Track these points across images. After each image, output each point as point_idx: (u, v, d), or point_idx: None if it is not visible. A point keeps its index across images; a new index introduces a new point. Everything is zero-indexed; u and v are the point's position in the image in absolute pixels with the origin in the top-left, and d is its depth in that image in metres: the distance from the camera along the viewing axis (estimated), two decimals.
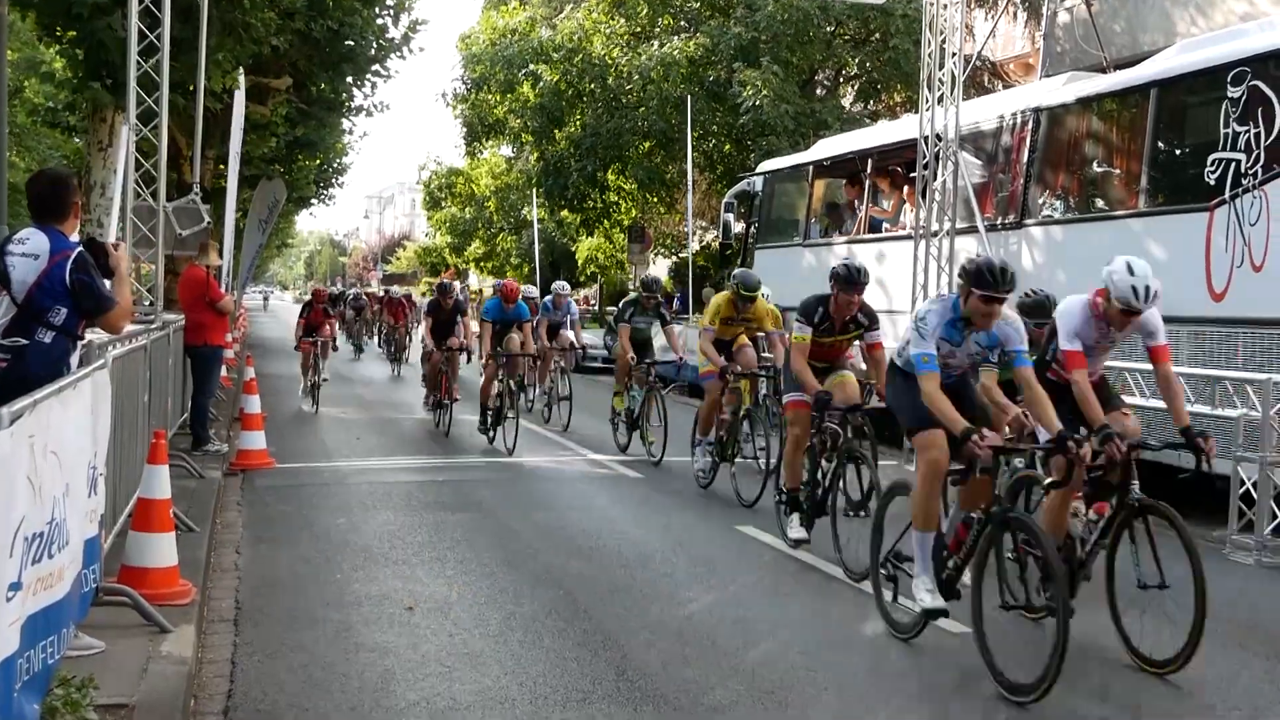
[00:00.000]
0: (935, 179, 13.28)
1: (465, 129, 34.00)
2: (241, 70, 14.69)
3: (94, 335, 6.54)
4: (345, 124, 30.34)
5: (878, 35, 26.54)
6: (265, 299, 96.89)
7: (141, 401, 7.99)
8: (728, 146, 28.03)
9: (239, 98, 14.39)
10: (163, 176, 11.57)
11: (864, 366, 8.95)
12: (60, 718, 4.21)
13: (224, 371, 15.11)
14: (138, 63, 11.12)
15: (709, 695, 5.40)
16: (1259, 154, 9.69)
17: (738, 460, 10.68)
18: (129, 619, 5.78)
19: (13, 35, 18.59)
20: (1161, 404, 9.71)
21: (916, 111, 14.21)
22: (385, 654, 5.89)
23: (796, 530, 8.46)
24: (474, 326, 17.42)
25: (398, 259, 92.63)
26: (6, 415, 3.40)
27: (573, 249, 45.34)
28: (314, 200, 40.65)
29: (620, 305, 14.24)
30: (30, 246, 5.54)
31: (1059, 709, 5.31)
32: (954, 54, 13.26)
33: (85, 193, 16.21)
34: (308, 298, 24.19)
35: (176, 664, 5.28)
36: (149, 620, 5.79)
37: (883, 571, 6.55)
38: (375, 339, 35.01)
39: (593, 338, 28.43)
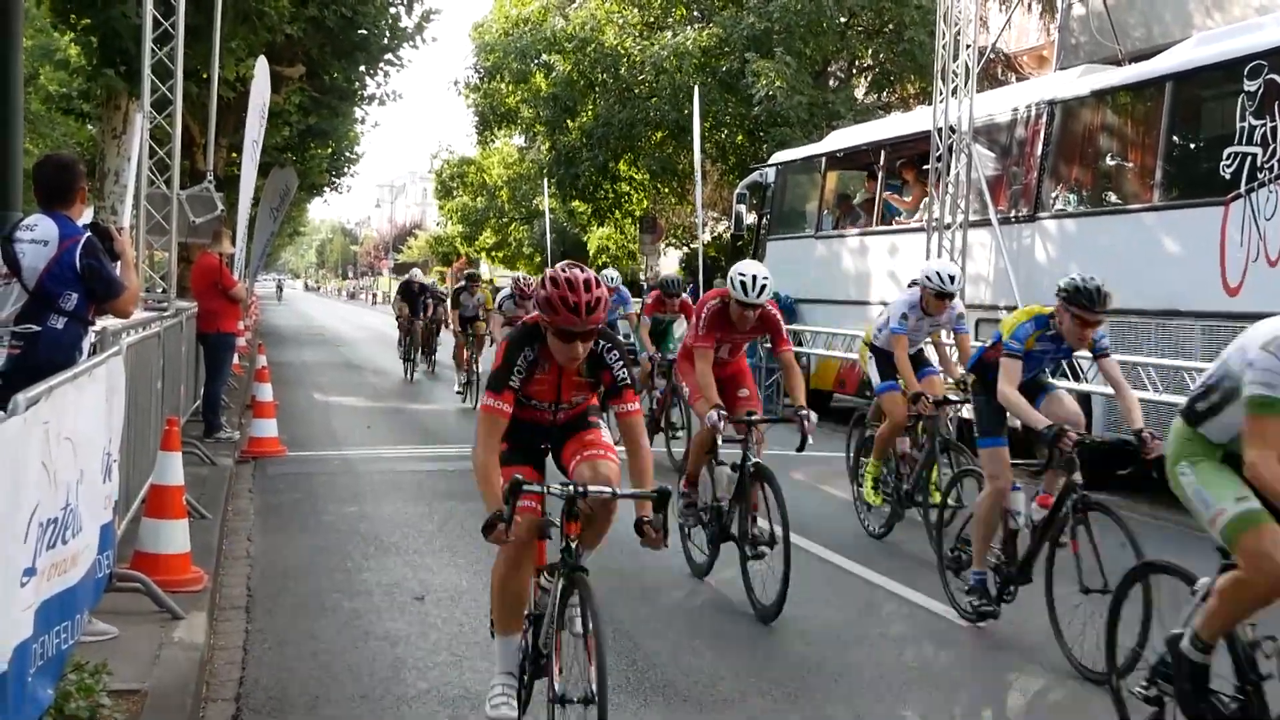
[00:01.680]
0: (949, 171, 13.24)
1: (477, 118, 33.96)
2: (264, 59, 14.68)
3: (107, 322, 6.57)
4: (357, 112, 30.36)
5: (892, 26, 26.43)
6: (279, 287, 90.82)
7: (155, 388, 8.02)
8: (740, 137, 27.96)
9: (259, 84, 14.37)
10: (176, 164, 11.60)
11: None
12: (74, 703, 4.23)
13: (235, 359, 15.15)
14: (152, 50, 11.15)
15: (719, 686, 5.40)
16: (1275, 148, 9.63)
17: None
18: (142, 605, 5.80)
19: (28, 22, 18.62)
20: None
21: (930, 103, 14.16)
22: (396, 642, 5.90)
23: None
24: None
25: (409, 248, 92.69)
26: (22, 401, 3.41)
27: (584, 239, 45.32)
28: (326, 189, 40.69)
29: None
30: (39, 233, 5.55)
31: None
32: (968, 46, 13.22)
33: (99, 180, 16.26)
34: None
35: (189, 650, 5.31)
36: (161, 606, 5.81)
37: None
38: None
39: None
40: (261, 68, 14.62)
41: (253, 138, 14.37)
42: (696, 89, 22.96)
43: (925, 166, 15.57)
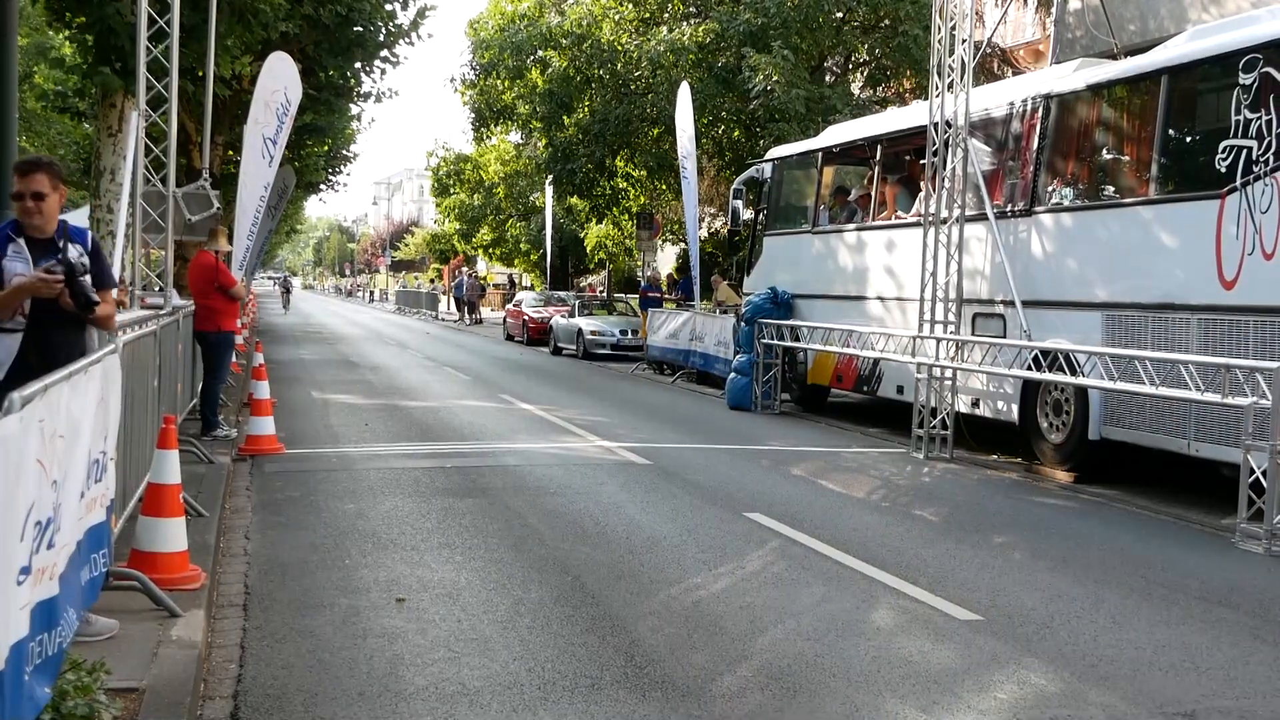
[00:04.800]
0: (945, 166, 13.25)
1: (474, 115, 33.94)
2: (288, 56, 14.64)
3: None
4: (354, 110, 30.35)
5: (887, 21, 26.42)
6: (285, 289, 67.56)
7: (151, 386, 8.02)
8: (736, 132, 27.94)
9: (278, 80, 14.29)
10: (172, 162, 11.60)
11: None
12: (71, 701, 4.23)
13: (233, 357, 15.15)
14: (147, 48, 11.14)
15: (717, 681, 5.41)
16: (1270, 141, 9.64)
17: None
18: (139, 603, 5.81)
19: (22, 20, 18.57)
20: (1200, 396, 9.73)
21: (926, 98, 14.16)
22: (393, 639, 5.91)
23: None
24: None
25: (406, 245, 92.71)
26: (18, 399, 3.41)
27: (581, 235, 45.32)
28: (323, 186, 40.69)
29: None
30: None
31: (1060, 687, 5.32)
32: (964, 40, 13.21)
33: (95, 178, 16.24)
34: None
35: (186, 648, 5.31)
36: (159, 605, 5.82)
37: None
38: None
39: (599, 324, 28.49)
40: (281, 64, 14.57)
41: (266, 134, 14.31)
42: (684, 85, 22.94)
43: (894, 176, 15.62)
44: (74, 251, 5.67)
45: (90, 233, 6.12)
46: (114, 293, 6.17)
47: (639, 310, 29.04)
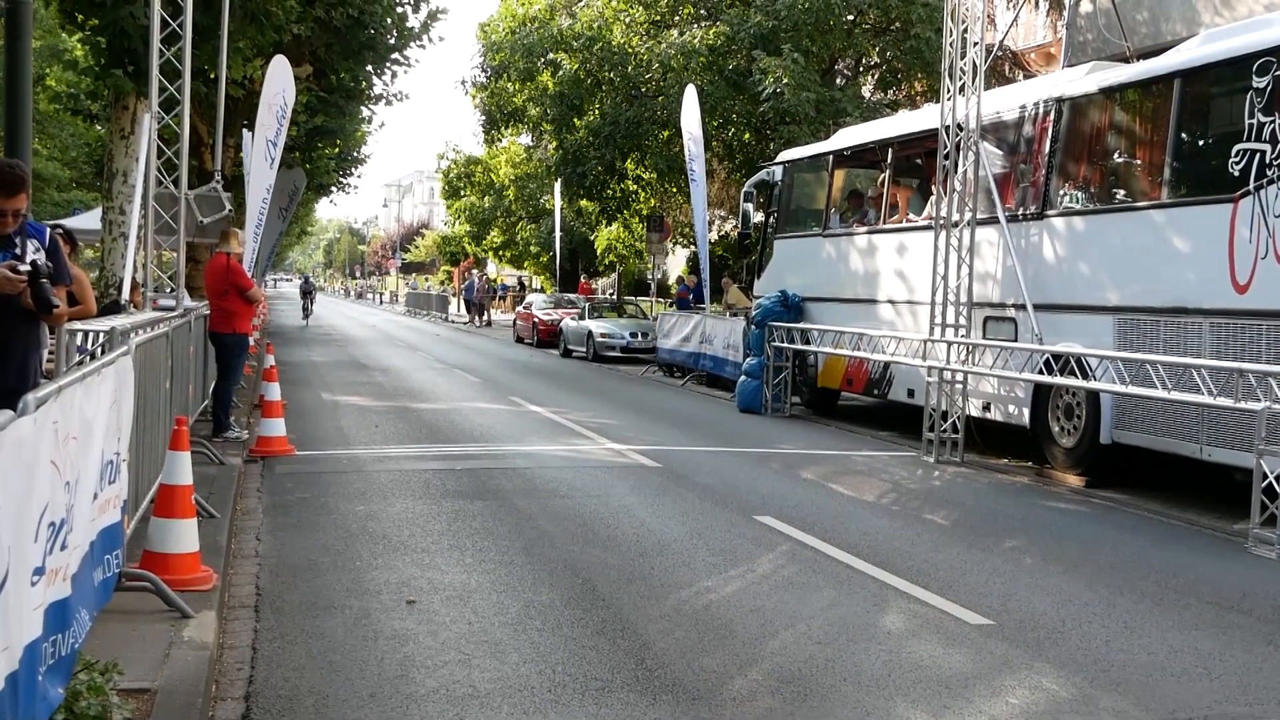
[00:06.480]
0: (956, 169, 13.22)
1: (484, 117, 33.98)
2: (284, 59, 14.67)
3: (116, 322, 6.58)
4: (365, 112, 30.40)
5: (898, 24, 26.39)
6: (307, 293, 51.23)
7: (163, 388, 8.03)
8: (747, 135, 27.94)
9: (276, 83, 14.33)
10: (184, 164, 11.63)
11: None
12: (84, 701, 4.24)
13: (247, 359, 15.19)
14: (160, 50, 11.17)
15: (728, 684, 5.41)
16: None
17: None
18: (151, 604, 5.82)
19: (35, 23, 18.65)
20: (1211, 400, 9.70)
21: (938, 101, 14.14)
22: (404, 641, 5.91)
23: None
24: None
25: (416, 247, 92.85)
26: (32, 401, 3.42)
27: (592, 238, 45.33)
28: (333, 188, 40.75)
29: None
30: None
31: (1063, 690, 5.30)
32: (976, 43, 13.18)
33: (107, 180, 16.29)
34: None
35: (198, 649, 5.32)
36: (171, 606, 5.83)
37: None
38: None
39: (609, 326, 28.49)
40: (281, 67, 14.60)
41: (268, 137, 14.36)
42: (690, 88, 22.94)
43: (905, 180, 15.60)
44: (31, 247, 5.75)
45: (49, 229, 6.18)
46: (68, 289, 6.24)
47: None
